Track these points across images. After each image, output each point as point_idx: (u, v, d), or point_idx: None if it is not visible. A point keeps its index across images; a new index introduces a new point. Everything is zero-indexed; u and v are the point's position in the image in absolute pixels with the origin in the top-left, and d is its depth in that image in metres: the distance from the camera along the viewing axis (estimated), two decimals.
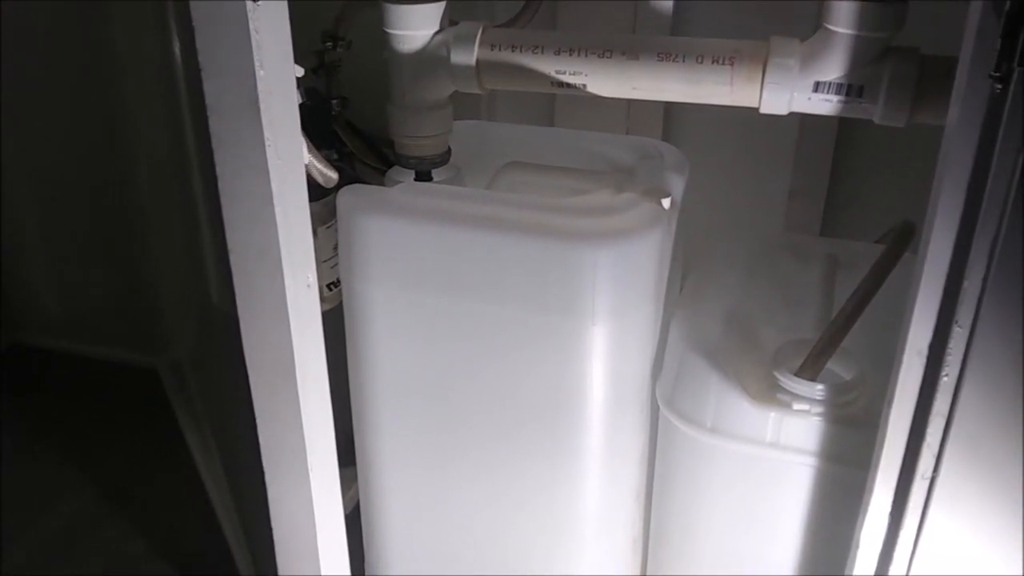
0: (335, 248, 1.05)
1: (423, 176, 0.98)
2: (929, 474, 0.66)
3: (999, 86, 0.56)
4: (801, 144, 1.21)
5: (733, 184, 1.27)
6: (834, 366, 0.90)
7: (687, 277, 1.06)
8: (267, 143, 0.74)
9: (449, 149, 0.99)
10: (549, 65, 0.88)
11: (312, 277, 0.85)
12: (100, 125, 1.01)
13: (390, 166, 1.04)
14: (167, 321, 1.16)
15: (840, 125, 1.21)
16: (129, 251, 1.12)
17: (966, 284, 0.60)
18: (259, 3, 0.70)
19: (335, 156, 1.05)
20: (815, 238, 1.23)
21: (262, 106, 0.73)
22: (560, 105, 1.25)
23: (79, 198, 1.08)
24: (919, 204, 0.90)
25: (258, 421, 0.90)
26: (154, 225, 1.10)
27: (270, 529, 0.97)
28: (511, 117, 1.24)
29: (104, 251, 1.14)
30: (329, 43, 1.15)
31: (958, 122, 0.59)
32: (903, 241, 0.93)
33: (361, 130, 1.22)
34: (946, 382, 0.63)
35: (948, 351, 0.63)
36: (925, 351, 0.65)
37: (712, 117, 1.15)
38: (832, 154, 1.22)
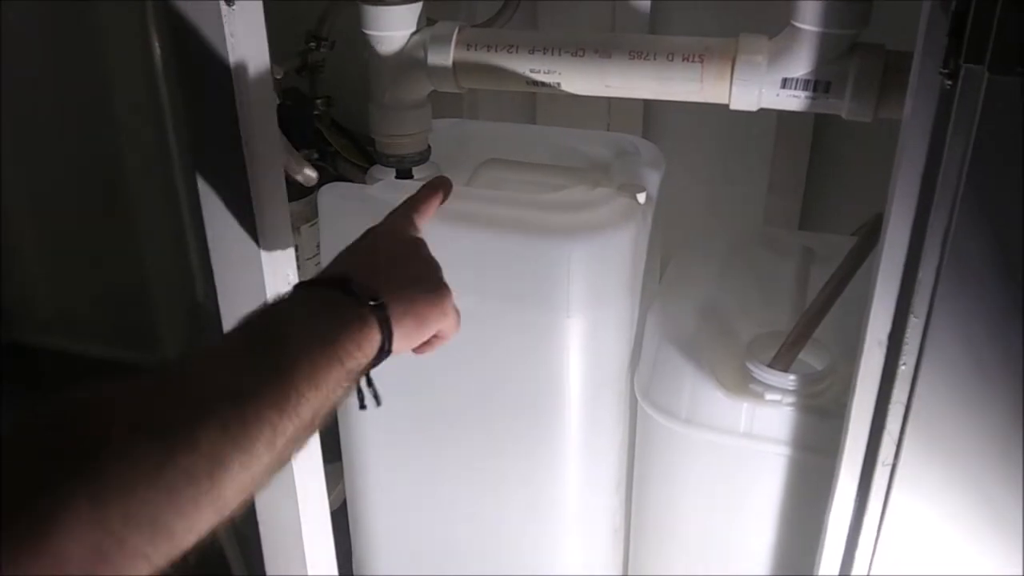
0: (319, 246, 1.07)
1: (404, 174, 1.00)
2: (890, 460, 0.68)
3: (949, 82, 0.57)
4: (779, 138, 1.23)
5: (713, 178, 1.28)
6: (806, 357, 0.92)
7: (665, 269, 1.08)
8: (244, 143, 0.75)
9: (429, 147, 1.00)
10: (524, 64, 0.90)
11: (292, 274, 0.87)
12: (87, 129, 1.02)
13: (372, 164, 1.06)
14: (156, 319, 1.17)
15: (817, 118, 1.22)
16: (119, 251, 1.14)
17: (921, 275, 0.62)
18: (234, 7, 0.71)
19: (315, 155, 1.07)
20: (793, 231, 1.25)
21: (239, 107, 0.74)
22: (541, 103, 1.27)
23: (69, 200, 1.09)
24: None
25: None
26: (142, 225, 1.11)
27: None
28: (493, 115, 1.26)
29: (95, 251, 1.15)
30: (312, 43, 1.17)
31: (912, 117, 0.61)
32: (874, 234, 0.95)
33: (346, 129, 1.23)
34: (904, 371, 0.65)
35: (905, 341, 0.64)
36: (885, 341, 0.67)
37: (692, 113, 1.16)
38: (810, 147, 1.23)
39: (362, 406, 0.62)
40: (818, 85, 0.83)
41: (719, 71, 0.85)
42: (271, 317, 0.57)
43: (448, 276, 0.82)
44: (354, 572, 1.21)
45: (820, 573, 0.79)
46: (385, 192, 0.94)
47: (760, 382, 0.89)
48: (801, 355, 0.91)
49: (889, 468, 0.68)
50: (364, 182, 1.02)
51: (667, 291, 1.04)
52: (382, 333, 0.58)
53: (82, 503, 0.41)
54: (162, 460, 0.44)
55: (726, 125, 1.20)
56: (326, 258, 0.98)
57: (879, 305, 0.66)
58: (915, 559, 0.72)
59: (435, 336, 0.67)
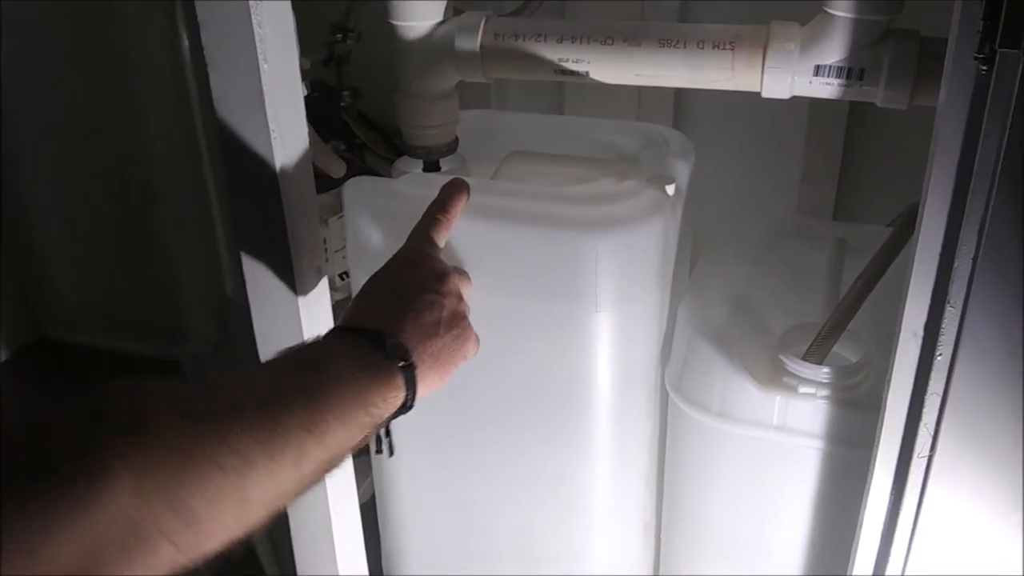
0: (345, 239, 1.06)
1: (431, 165, 0.99)
2: (926, 453, 0.67)
3: (984, 67, 0.56)
4: (813, 127, 1.21)
5: (745, 169, 1.26)
6: (840, 349, 0.91)
7: (696, 261, 1.07)
8: (273, 135, 0.75)
9: (456, 138, 1.00)
10: (552, 53, 0.89)
11: (321, 266, 0.86)
12: (116, 125, 1.03)
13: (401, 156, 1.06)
14: (185, 314, 1.18)
15: (852, 107, 1.20)
16: (148, 246, 1.15)
17: (957, 264, 0.61)
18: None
19: (343, 147, 1.07)
20: (826, 222, 1.23)
21: (267, 99, 0.74)
22: (570, 93, 1.26)
23: (98, 196, 1.10)
24: None
25: None
26: (171, 220, 1.12)
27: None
28: (521, 106, 1.25)
29: (124, 247, 1.16)
30: (339, 35, 1.17)
31: (947, 104, 0.59)
32: (909, 224, 0.93)
33: (373, 121, 1.23)
34: (940, 361, 0.64)
35: (941, 331, 0.63)
36: (921, 332, 0.65)
37: (723, 102, 1.14)
38: (844, 136, 1.21)
39: (378, 450, 0.67)
40: (852, 72, 0.81)
41: (750, 58, 0.83)
42: (308, 353, 0.61)
43: (474, 272, 0.82)
44: (383, 570, 1.21)
45: (855, 567, 0.78)
46: (410, 186, 0.94)
47: (793, 375, 0.88)
48: (835, 347, 0.90)
49: (925, 460, 0.67)
50: (391, 174, 1.02)
51: (698, 283, 1.02)
52: (406, 391, 0.62)
53: (125, 470, 0.42)
54: (195, 445, 0.46)
55: (758, 114, 1.18)
56: (352, 253, 0.98)
57: (915, 295, 0.64)
58: (951, 553, 0.71)
59: None
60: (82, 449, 0.42)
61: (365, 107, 1.24)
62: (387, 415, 0.61)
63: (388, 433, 0.66)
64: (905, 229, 0.93)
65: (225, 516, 0.47)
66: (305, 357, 0.60)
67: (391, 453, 0.68)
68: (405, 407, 0.63)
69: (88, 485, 0.41)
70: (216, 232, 1.09)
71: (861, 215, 1.25)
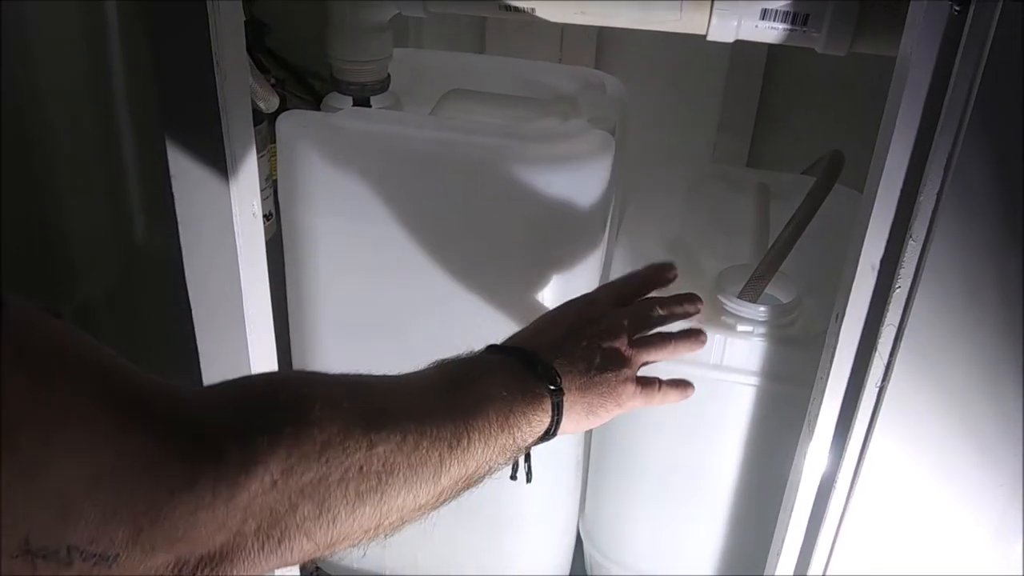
0: (267, 179, 1.02)
1: (362, 103, 0.96)
2: (879, 382, 0.70)
3: (957, 8, 0.58)
4: (731, 76, 1.23)
5: (663, 116, 1.28)
6: (772, 290, 0.94)
7: (627, 206, 1.07)
8: (215, 60, 0.70)
9: (389, 76, 0.96)
10: None
11: (257, 205, 0.82)
12: None
13: (316, 97, 1.01)
14: (78, 260, 1.08)
15: (767, 61, 1.23)
16: (32, 181, 1.04)
17: (921, 199, 0.63)
18: None
19: (273, 80, 1.01)
20: (745, 169, 1.26)
21: (211, 19, 0.69)
22: (492, 33, 1.24)
23: None
24: (840, 135, 0.94)
25: (202, 359, 0.86)
26: (65, 156, 1.03)
27: None
28: (439, 45, 1.22)
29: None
30: None
31: (917, 43, 0.61)
32: (833, 171, 0.97)
33: (283, 59, 1.17)
34: (899, 293, 0.66)
35: (901, 264, 0.65)
36: (877, 265, 0.68)
37: (645, 48, 1.15)
38: (760, 88, 1.24)
39: (513, 476, 0.67)
40: (797, 17, 0.83)
41: (699, 1, 0.84)
42: (461, 367, 0.62)
43: (421, 208, 0.79)
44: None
45: (796, 499, 0.81)
46: (347, 120, 0.90)
47: (731, 314, 0.90)
48: (767, 289, 0.92)
49: (878, 389, 0.70)
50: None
51: (631, 226, 1.03)
52: (552, 417, 0.62)
53: (275, 460, 0.45)
54: (343, 447, 0.48)
55: (679, 62, 1.20)
56: (283, 188, 0.93)
57: (874, 229, 0.66)
58: (897, 487, 0.74)
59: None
60: (249, 433, 0.45)
61: (273, 44, 1.18)
62: (530, 440, 0.61)
63: (528, 459, 0.66)
64: (830, 176, 0.97)
65: (362, 519, 0.49)
66: (457, 371, 0.61)
67: (528, 480, 0.67)
68: (548, 433, 0.63)
69: (240, 470, 0.43)
70: (127, 173, 1.01)
71: (771, 164, 1.29)
